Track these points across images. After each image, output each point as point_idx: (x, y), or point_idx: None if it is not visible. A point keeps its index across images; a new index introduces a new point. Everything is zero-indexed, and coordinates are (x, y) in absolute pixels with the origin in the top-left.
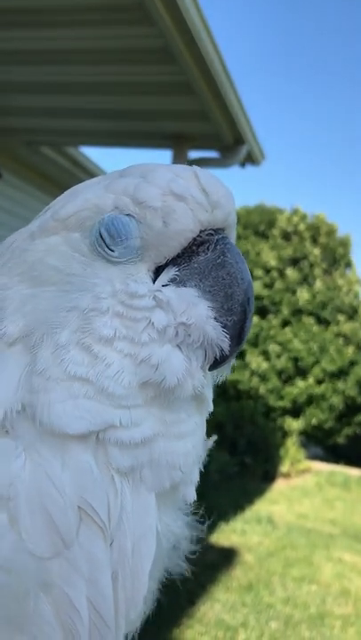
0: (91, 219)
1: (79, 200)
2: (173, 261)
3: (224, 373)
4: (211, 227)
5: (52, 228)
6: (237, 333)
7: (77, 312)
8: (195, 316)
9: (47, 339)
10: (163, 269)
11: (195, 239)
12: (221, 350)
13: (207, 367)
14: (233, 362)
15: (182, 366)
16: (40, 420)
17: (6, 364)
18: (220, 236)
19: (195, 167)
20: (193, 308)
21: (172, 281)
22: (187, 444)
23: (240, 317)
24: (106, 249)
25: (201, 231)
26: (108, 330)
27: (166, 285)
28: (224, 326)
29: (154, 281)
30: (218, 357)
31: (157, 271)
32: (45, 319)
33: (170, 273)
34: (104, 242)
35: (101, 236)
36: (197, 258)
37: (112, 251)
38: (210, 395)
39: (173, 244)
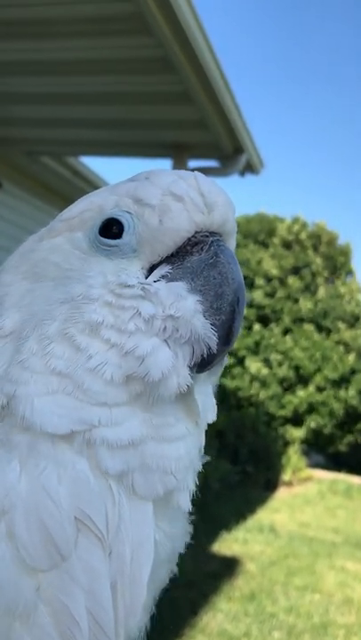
0: (93, 218)
1: (85, 202)
2: (167, 260)
3: (217, 380)
4: (207, 229)
5: (58, 230)
6: (226, 333)
7: (68, 302)
8: (183, 310)
9: (36, 330)
10: (157, 268)
11: (190, 239)
12: (209, 349)
13: (194, 367)
14: (225, 365)
15: (168, 361)
16: (23, 416)
17: None
18: (215, 238)
19: (197, 173)
20: (181, 301)
21: (164, 278)
22: (178, 449)
23: (229, 317)
24: (102, 242)
25: (196, 232)
26: (96, 316)
27: (158, 281)
28: (213, 325)
29: (147, 278)
30: (205, 356)
31: (151, 270)
32: (38, 311)
33: (163, 270)
34: (102, 235)
35: (100, 230)
36: (191, 258)
37: (109, 245)
38: (206, 404)
39: (168, 242)
